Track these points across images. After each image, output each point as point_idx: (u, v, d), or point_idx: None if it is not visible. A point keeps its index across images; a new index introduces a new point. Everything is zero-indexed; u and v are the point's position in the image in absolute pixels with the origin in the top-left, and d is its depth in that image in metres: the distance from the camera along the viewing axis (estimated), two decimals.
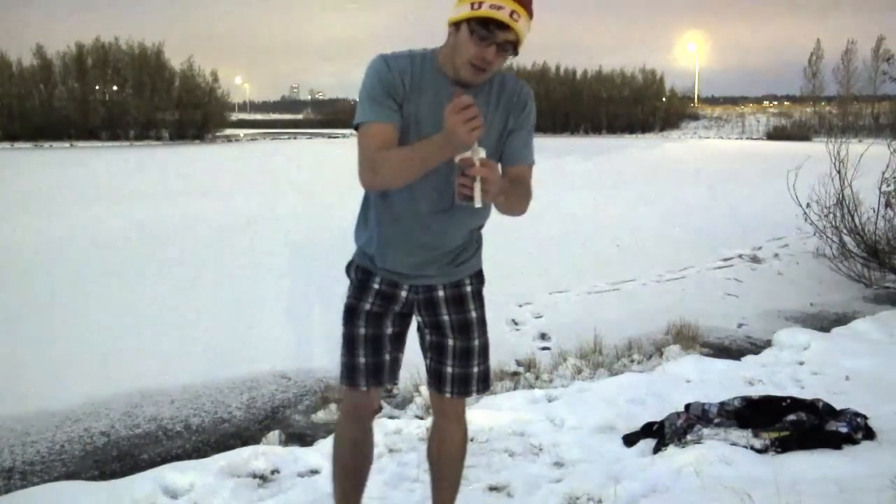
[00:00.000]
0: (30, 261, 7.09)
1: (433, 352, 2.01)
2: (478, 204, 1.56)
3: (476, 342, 1.99)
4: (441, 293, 1.96)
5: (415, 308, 1.98)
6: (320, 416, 3.60)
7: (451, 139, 1.54)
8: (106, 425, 3.48)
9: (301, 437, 3.35)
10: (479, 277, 2.04)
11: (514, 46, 1.67)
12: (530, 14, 1.64)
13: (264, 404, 3.78)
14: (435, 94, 1.74)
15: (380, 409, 3.48)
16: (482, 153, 1.56)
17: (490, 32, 1.61)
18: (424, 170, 1.67)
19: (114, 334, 4.82)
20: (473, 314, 1.99)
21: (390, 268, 1.92)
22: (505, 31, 1.62)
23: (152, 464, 3.01)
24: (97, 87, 41.61)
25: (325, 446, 2.96)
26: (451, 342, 1.97)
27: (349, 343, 1.96)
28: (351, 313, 1.97)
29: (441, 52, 1.77)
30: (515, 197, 1.78)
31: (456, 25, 1.68)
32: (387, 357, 1.97)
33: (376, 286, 1.94)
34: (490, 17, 1.59)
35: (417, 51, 1.80)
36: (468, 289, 1.99)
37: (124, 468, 3.04)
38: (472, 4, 1.61)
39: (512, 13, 1.59)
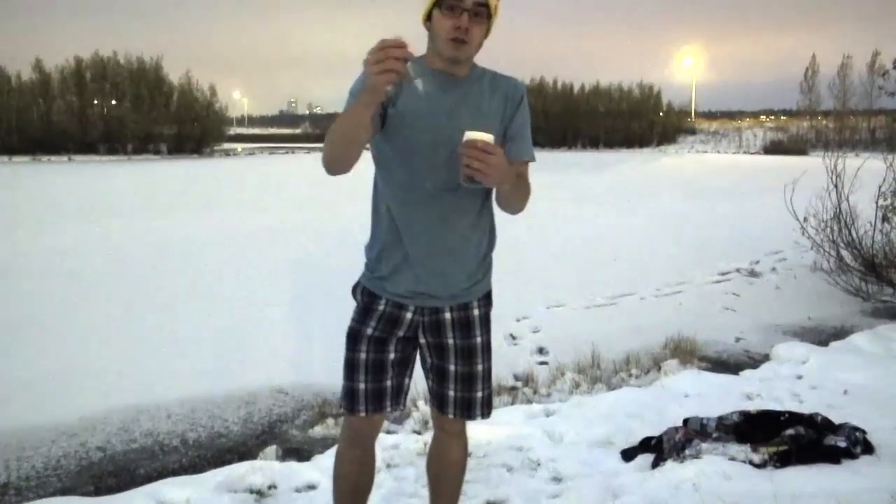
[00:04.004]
0: (26, 274, 7.08)
1: (435, 375, 1.99)
2: (487, 184, 1.63)
3: (479, 367, 1.97)
4: (448, 315, 1.92)
5: (419, 330, 1.94)
6: (318, 430, 3.59)
7: (365, 74, 1.52)
8: (102, 440, 3.47)
9: (298, 453, 3.33)
10: (487, 300, 2.01)
11: (487, 11, 1.72)
12: None
13: (261, 419, 3.76)
14: (422, 86, 1.77)
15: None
16: (489, 137, 1.58)
17: (457, 0, 1.67)
18: (351, 123, 1.62)
19: (110, 348, 4.80)
20: (479, 339, 1.96)
21: (398, 281, 1.88)
22: None
23: (149, 479, 2.99)
24: (95, 101, 41.72)
25: (323, 461, 2.95)
26: (452, 367, 1.95)
27: (350, 368, 1.94)
28: (353, 338, 1.94)
29: (427, 54, 1.83)
30: (519, 192, 1.81)
31: (429, 20, 1.76)
32: (389, 383, 1.93)
33: (381, 308, 1.91)
34: None
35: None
36: (476, 312, 1.96)
37: (120, 483, 3.02)
38: None
39: None
